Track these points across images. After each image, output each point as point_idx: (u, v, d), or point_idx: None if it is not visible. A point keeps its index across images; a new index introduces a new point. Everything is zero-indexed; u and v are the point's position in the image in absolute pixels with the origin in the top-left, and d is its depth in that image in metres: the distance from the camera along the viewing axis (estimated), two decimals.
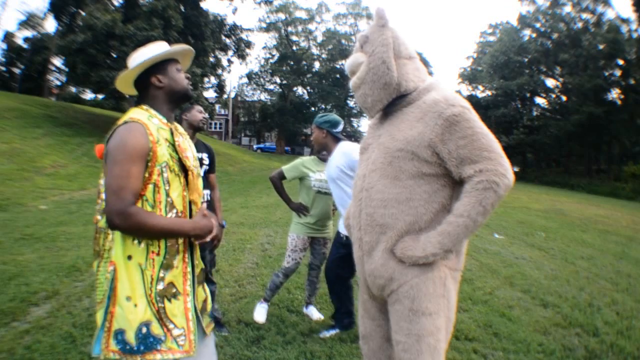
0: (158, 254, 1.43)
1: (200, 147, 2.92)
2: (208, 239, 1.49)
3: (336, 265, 3.00)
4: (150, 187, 1.41)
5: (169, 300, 1.45)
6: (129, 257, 1.40)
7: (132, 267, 1.40)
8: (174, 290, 1.46)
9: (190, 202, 1.53)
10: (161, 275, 1.44)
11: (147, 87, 1.54)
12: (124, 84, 1.57)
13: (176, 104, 1.60)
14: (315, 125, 3.03)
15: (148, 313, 1.41)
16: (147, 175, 1.39)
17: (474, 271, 5.04)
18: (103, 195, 1.41)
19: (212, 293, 3.07)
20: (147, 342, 1.41)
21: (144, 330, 1.40)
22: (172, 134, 1.51)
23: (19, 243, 5.14)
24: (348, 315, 3.11)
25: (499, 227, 8.57)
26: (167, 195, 1.44)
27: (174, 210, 1.46)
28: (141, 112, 1.49)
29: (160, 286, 1.43)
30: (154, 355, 1.41)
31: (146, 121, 1.44)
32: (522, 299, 4.09)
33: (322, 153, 3.20)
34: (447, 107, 1.41)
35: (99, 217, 1.48)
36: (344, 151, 2.83)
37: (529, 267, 5.40)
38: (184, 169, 1.51)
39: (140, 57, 1.52)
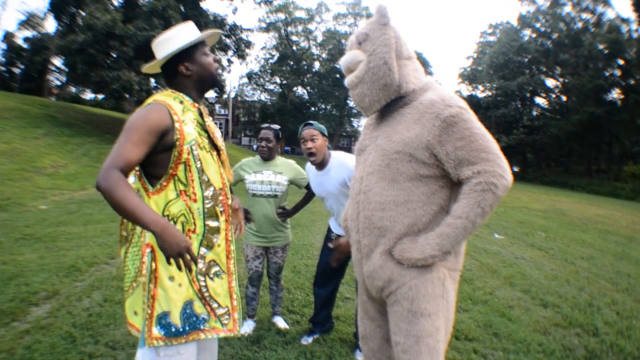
0: (194, 232, 1.41)
1: None
2: (172, 259, 1.24)
3: (326, 269, 2.87)
4: (181, 166, 1.39)
5: (211, 278, 1.42)
6: None
7: None
8: (217, 269, 1.44)
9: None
10: (201, 252, 1.41)
11: (175, 74, 1.51)
12: (153, 69, 1.56)
13: (205, 90, 1.58)
14: (320, 132, 2.65)
15: (190, 292, 1.39)
16: (176, 154, 1.37)
17: (474, 271, 5.04)
18: None
19: None
20: (191, 321, 1.38)
21: (188, 309, 1.37)
22: (200, 114, 1.50)
23: (19, 243, 5.13)
24: (328, 318, 3.04)
25: (499, 227, 8.57)
26: (202, 172, 1.42)
27: (211, 188, 1.44)
28: (167, 94, 1.48)
29: (201, 264, 1.40)
30: (197, 335, 1.38)
31: (171, 102, 1.42)
32: (522, 299, 4.09)
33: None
34: (445, 107, 1.39)
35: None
36: (343, 162, 2.59)
37: (529, 267, 5.40)
38: (216, 148, 1.51)
39: (168, 44, 1.47)
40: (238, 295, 1.49)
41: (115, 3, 18.89)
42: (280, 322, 3.17)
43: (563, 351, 2.98)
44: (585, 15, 30.95)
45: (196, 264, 1.31)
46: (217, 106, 29.06)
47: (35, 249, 4.93)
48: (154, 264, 1.36)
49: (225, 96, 31.60)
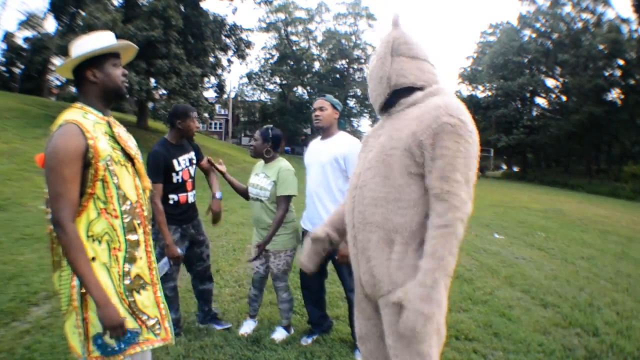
0: (120, 250, 1.44)
1: (187, 147, 2.92)
2: (107, 332, 1.38)
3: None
4: (98, 184, 1.41)
5: (138, 292, 1.47)
6: (93, 259, 1.40)
7: (98, 268, 1.40)
8: (142, 281, 1.49)
9: (143, 190, 1.57)
10: (126, 269, 1.45)
11: (82, 79, 1.53)
12: (64, 71, 1.56)
13: (109, 101, 1.59)
14: (330, 102, 2.78)
15: (121, 310, 1.43)
16: (93, 172, 1.40)
17: (474, 271, 5.04)
18: None
19: (210, 291, 3.08)
20: (125, 338, 1.42)
21: None
22: (109, 126, 1.52)
23: (19, 243, 5.13)
24: (324, 318, 3.04)
25: (499, 227, 8.56)
26: (118, 188, 1.45)
27: (128, 202, 1.48)
28: (75, 111, 1.49)
29: (127, 281, 1.45)
30: (134, 349, 1.44)
31: (81, 120, 1.43)
32: (522, 299, 4.10)
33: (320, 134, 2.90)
34: (445, 114, 1.39)
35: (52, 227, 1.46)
36: (347, 142, 2.69)
37: (529, 267, 5.40)
38: (130, 158, 1.54)
39: (80, 47, 1.49)
40: (165, 304, 1.55)
41: (115, 3, 18.87)
42: (278, 334, 2.97)
43: (563, 351, 2.98)
44: (585, 15, 30.98)
45: (125, 335, 1.41)
46: (217, 106, 29.04)
47: (35, 249, 4.93)
48: (83, 288, 1.39)
49: (225, 96, 31.59)
